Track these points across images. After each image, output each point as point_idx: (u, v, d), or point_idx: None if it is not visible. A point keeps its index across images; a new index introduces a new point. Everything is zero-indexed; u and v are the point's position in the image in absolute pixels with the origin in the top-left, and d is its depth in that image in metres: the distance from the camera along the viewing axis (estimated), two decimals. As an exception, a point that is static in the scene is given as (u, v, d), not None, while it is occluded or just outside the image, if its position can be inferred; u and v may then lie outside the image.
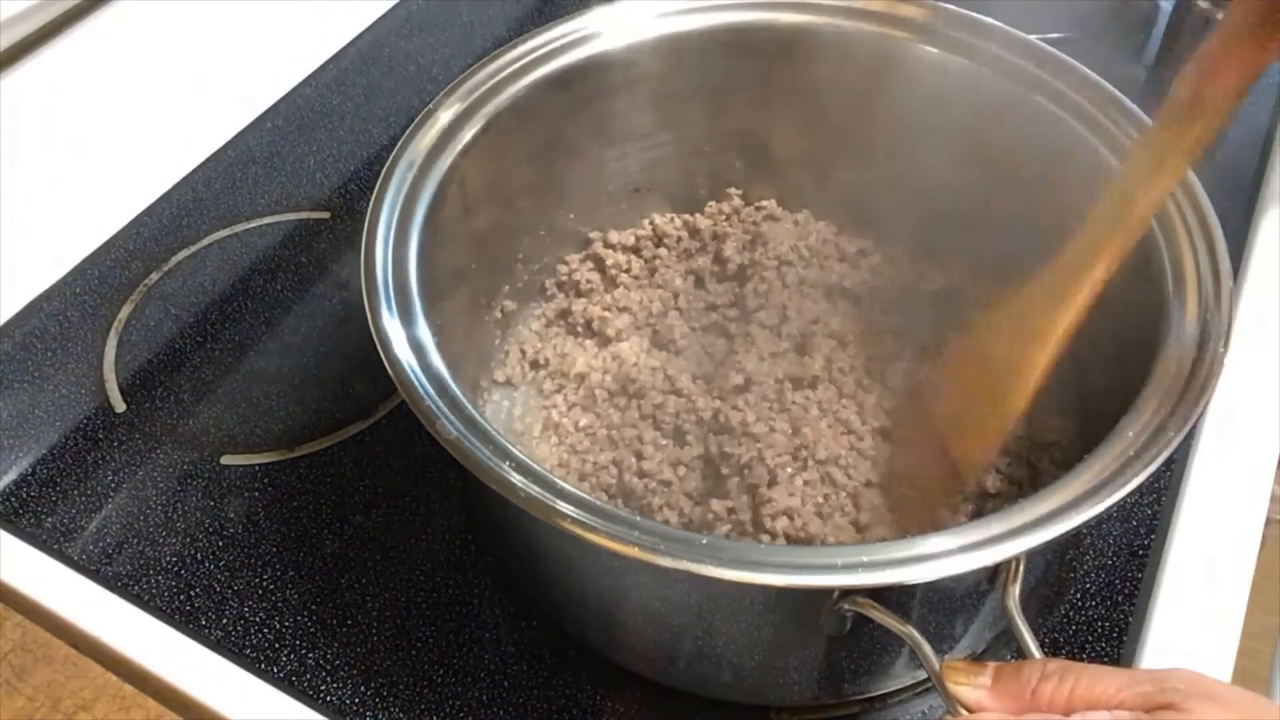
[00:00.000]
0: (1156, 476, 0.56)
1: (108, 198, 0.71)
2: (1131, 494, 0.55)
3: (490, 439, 0.41)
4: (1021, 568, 0.39)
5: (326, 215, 0.71)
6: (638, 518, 0.38)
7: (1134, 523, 0.55)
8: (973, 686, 0.35)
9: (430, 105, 0.53)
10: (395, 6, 0.87)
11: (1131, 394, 0.43)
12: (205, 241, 0.69)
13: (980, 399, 0.49)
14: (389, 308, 0.45)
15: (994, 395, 0.48)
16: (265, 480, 0.57)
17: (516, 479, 0.39)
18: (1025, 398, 0.47)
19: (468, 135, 0.52)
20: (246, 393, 0.61)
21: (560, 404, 0.58)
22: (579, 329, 0.61)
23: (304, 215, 0.71)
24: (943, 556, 0.37)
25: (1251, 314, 0.63)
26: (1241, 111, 0.79)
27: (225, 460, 0.58)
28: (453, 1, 0.87)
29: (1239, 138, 0.76)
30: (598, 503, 0.39)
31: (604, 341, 0.60)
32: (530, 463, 0.40)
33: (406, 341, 0.44)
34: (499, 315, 0.60)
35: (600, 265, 0.63)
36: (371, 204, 0.49)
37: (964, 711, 0.36)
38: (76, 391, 0.61)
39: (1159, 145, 0.43)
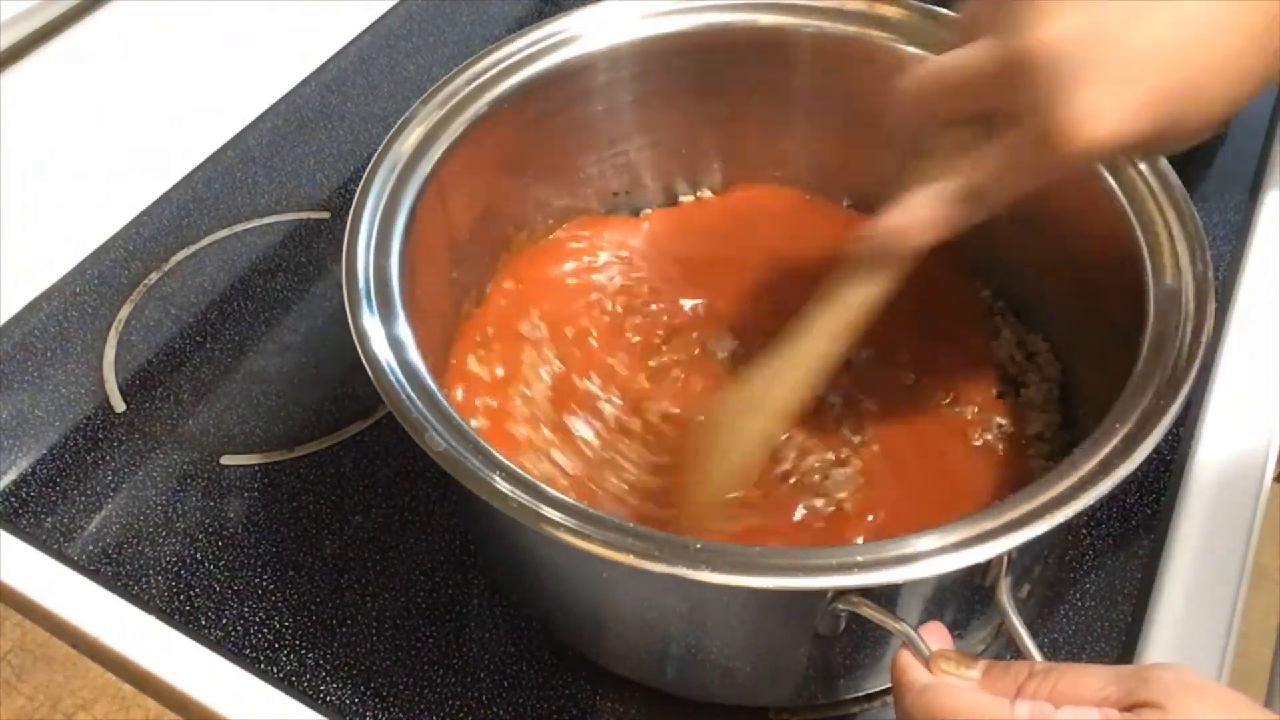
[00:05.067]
0: (1156, 477, 0.56)
1: (108, 198, 0.71)
2: (1131, 494, 0.56)
3: (480, 449, 0.41)
4: (1012, 562, 0.39)
5: (326, 215, 0.71)
6: (630, 524, 0.38)
7: (1134, 523, 0.55)
8: (961, 678, 0.35)
9: (411, 109, 0.53)
10: (395, 6, 0.87)
11: (1117, 388, 0.43)
12: (205, 241, 0.69)
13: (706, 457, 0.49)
14: (370, 309, 0.45)
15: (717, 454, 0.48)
16: (265, 480, 0.57)
17: (506, 488, 0.39)
18: (745, 462, 0.48)
19: (449, 139, 0.52)
20: (246, 393, 0.61)
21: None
22: None
23: (304, 215, 0.71)
24: (935, 554, 0.37)
25: (1251, 314, 0.63)
26: (1242, 112, 0.78)
27: (225, 460, 0.58)
28: (453, 1, 0.87)
29: (1239, 136, 0.76)
30: (589, 510, 0.39)
31: None
32: (519, 471, 0.40)
33: (386, 340, 0.44)
34: (484, 316, 0.60)
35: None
36: (353, 209, 0.48)
37: None
38: (76, 391, 0.61)
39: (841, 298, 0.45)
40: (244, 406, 0.61)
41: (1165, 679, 0.32)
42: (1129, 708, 0.32)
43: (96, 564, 0.54)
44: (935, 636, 0.37)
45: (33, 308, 0.65)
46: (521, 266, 0.61)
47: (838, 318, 0.45)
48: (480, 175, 0.55)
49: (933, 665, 0.36)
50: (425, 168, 0.51)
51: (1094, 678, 0.33)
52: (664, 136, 0.62)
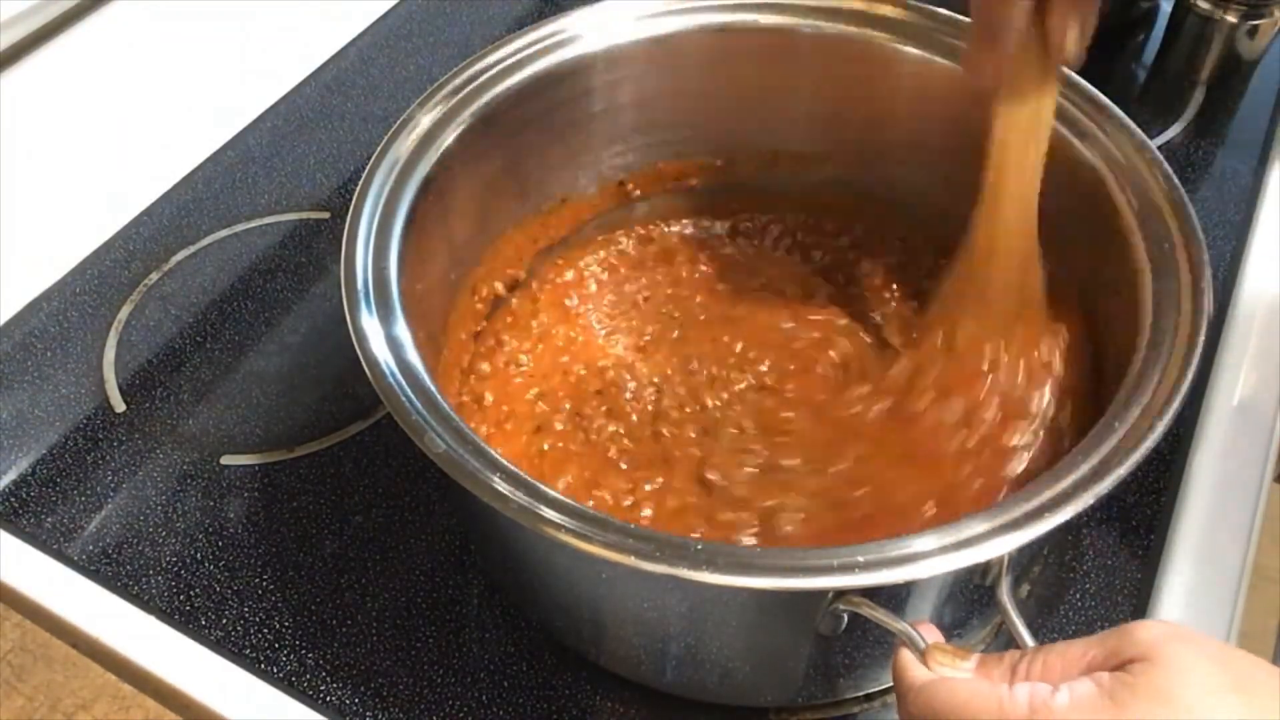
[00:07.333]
0: (1156, 477, 0.56)
1: (108, 198, 0.71)
2: (1131, 494, 0.56)
3: (479, 450, 0.40)
4: (1012, 562, 0.39)
5: (326, 215, 0.71)
6: (631, 525, 0.38)
7: (1134, 523, 0.55)
8: (957, 670, 0.36)
9: (410, 110, 0.53)
10: (395, 6, 0.87)
11: (1117, 388, 0.43)
12: (205, 241, 0.69)
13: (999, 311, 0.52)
14: (368, 310, 0.45)
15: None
16: (265, 480, 0.57)
17: (506, 490, 0.39)
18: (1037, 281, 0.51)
19: (449, 138, 0.52)
20: (246, 393, 0.61)
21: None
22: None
23: (304, 215, 0.71)
24: (935, 554, 0.37)
25: (1251, 314, 0.63)
26: (1241, 112, 0.79)
27: (225, 460, 0.58)
28: (453, 1, 0.87)
29: (1239, 136, 0.76)
30: (589, 511, 0.39)
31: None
32: (519, 472, 0.40)
33: (384, 341, 0.44)
34: (481, 318, 0.60)
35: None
36: (351, 209, 0.48)
37: None
38: (76, 391, 0.61)
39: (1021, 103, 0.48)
40: (244, 406, 0.61)
41: (1150, 632, 0.33)
42: (1118, 667, 0.32)
43: (96, 564, 0.54)
44: (925, 632, 0.37)
45: (33, 308, 0.65)
46: (519, 266, 0.61)
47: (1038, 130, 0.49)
48: (479, 175, 0.55)
49: (928, 658, 0.36)
50: (424, 168, 0.51)
51: (1079, 645, 0.34)
52: (663, 137, 0.62)
